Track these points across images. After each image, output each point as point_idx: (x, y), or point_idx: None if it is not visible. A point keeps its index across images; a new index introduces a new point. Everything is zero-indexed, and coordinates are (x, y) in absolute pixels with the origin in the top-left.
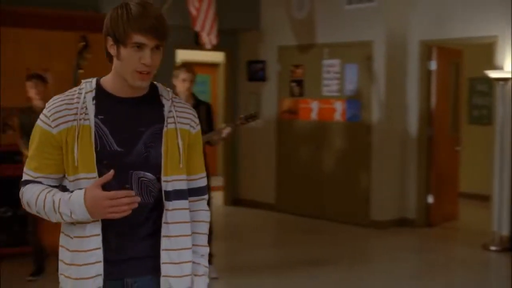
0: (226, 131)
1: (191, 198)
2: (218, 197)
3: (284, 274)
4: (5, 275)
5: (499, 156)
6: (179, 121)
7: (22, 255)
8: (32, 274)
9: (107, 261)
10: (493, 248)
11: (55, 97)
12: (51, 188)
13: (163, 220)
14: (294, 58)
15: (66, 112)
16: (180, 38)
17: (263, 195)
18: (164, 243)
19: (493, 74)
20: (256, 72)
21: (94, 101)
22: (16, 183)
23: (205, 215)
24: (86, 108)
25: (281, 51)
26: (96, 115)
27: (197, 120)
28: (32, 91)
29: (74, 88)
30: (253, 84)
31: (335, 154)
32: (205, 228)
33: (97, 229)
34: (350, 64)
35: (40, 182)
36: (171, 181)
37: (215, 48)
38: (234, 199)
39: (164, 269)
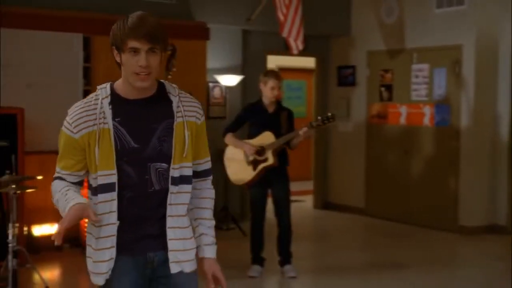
0: (302, 130)
1: (197, 179)
2: (308, 200)
3: (368, 276)
4: None
5: None
6: (186, 114)
7: None
8: None
9: (131, 239)
10: None
11: (75, 105)
12: (67, 189)
13: (168, 202)
14: (383, 63)
15: (86, 118)
16: (271, 44)
17: (352, 199)
18: (169, 222)
19: None
20: (346, 77)
21: (111, 106)
22: None
23: (210, 193)
24: (104, 113)
25: (371, 56)
26: (113, 118)
27: (202, 112)
28: None
29: (91, 95)
30: (343, 89)
31: (423, 158)
32: (210, 204)
33: (113, 218)
34: (439, 68)
35: (65, 179)
36: (178, 169)
37: (307, 53)
38: (324, 203)
39: (171, 244)
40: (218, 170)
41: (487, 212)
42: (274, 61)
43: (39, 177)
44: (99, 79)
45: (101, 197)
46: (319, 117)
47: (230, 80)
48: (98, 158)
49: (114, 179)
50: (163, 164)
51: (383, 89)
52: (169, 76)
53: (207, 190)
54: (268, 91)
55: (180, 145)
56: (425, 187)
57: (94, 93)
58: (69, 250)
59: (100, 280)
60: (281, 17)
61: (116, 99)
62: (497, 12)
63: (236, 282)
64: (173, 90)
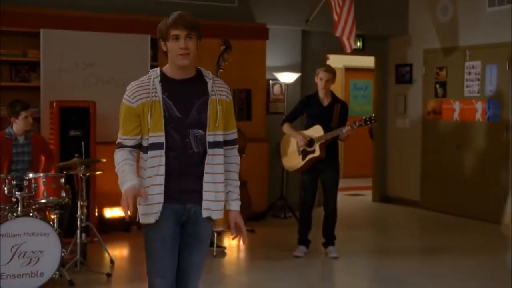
0: (345, 129)
1: (226, 147)
2: (368, 195)
3: (408, 260)
4: None
5: None
6: (218, 93)
7: None
8: None
9: (175, 191)
10: None
11: (132, 83)
12: (124, 163)
13: (206, 161)
14: (438, 60)
15: (141, 92)
16: (330, 44)
17: (408, 192)
18: (206, 177)
19: None
20: (403, 75)
21: (160, 84)
22: None
23: (236, 159)
24: (156, 89)
25: (427, 54)
26: (162, 93)
27: (230, 92)
28: None
29: (144, 76)
30: (400, 86)
31: (475, 153)
32: (236, 168)
33: (161, 170)
34: (491, 65)
35: (126, 146)
36: (212, 135)
37: (366, 53)
38: (382, 196)
39: (206, 196)
40: (278, 162)
41: None
42: (341, 61)
43: (103, 160)
44: None
45: (151, 153)
46: (362, 117)
47: (288, 77)
48: (150, 122)
49: (162, 139)
50: (200, 130)
51: (438, 86)
52: (220, 70)
53: (234, 157)
54: (318, 81)
55: (213, 116)
56: (477, 180)
57: (147, 75)
58: (137, 231)
59: (151, 219)
60: (335, 17)
61: (164, 78)
62: None
63: (283, 261)
64: (208, 74)
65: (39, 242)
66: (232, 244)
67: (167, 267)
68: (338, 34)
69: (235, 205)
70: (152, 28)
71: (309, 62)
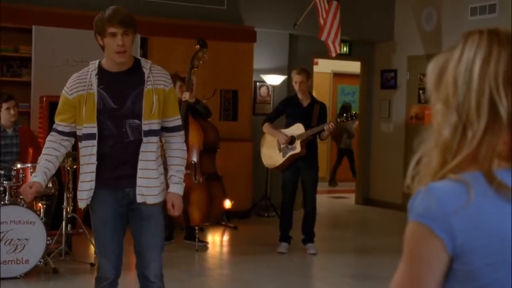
0: (328, 125)
1: (168, 134)
2: (352, 198)
3: (383, 257)
4: None
5: None
6: (155, 82)
7: None
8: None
9: (111, 178)
10: None
11: (73, 75)
12: (45, 157)
13: (141, 149)
14: (422, 67)
15: (78, 85)
16: (317, 48)
17: (391, 195)
18: (140, 164)
19: None
20: (388, 80)
21: (97, 77)
22: None
23: (179, 145)
24: (92, 82)
25: (411, 60)
26: (98, 86)
27: (169, 81)
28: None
29: (85, 68)
30: (385, 92)
31: None
32: (179, 153)
33: (93, 159)
34: None
35: (59, 131)
36: (147, 124)
37: (353, 58)
38: (365, 199)
39: (139, 182)
40: (261, 162)
41: None
42: (329, 67)
43: None
44: None
45: (85, 143)
46: (344, 114)
47: (275, 79)
48: (84, 114)
49: (95, 130)
50: (135, 120)
51: (421, 91)
52: (195, 68)
53: (177, 143)
54: (294, 85)
55: (149, 106)
56: None
57: (87, 67)
58: None
59: (82, 204)
60: (321, 22)
61: (101, 71)
62: None
63: (263, 256)
64: (146, 64)
65: (25, 230)
66: (215, 240)
67: (109, 249)
68: (323, 38)
69: (175, 188)
70: (142, 27)
71: (296, 65)
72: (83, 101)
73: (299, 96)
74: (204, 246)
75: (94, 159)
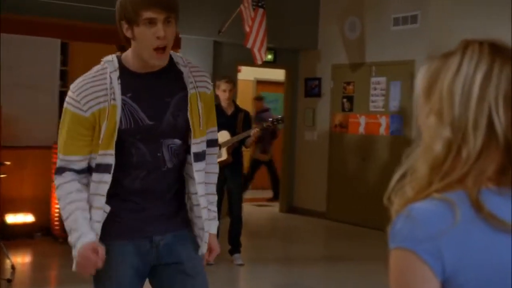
0: (254, 131)
1: (208, 150)
2: (275, 206)
3: (309, 266)
4: None
5: None
6: (198, 84)
7: None
8: None
9: (136, 222)
10: None
11: (80, 80)
12: (74, 207)
13: (198, 180)
14: (346, 75)
15: (97, 94)
16: (242, 55)
17: (315, 204)
18: (202, 201)
19: None
20: (312, 89)
21: (119, 80)
22: None
23: (214, 168)
24: (114, 88)
25: (335, 69)
26: (124, 94)
27: (210, 81)
28: None
29: (97, 68)
30: (309, 100)
31: (379, 166)
32: (214, 179)
33: (100, 202)
34: (395, 81)
35: (71, 168)
36: (200, 143)
37: (277, 65)
38: (289, 207)
39: (207, 226)
40: None
41: None
42: (252, 74)
43: (8, 163)
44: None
45: (96, 176)
46: (270, 119)
47: None
48: (102, 137)
49: (111, 160)
50: (175, 140)
51: (345, 100)
52: None
53: (213, 165)
54: (221, 93)
55: (197, 118)
56: (380, 192)
57: (100, 66)
58: (40, 238)
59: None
60: (247, 29)
61: (125, 73)
62: (446, 30)
63: None
64: (181, 60)
65: None
66: None
67: None
68: (249, 45)
69: (213, 226)
70: (62, 32)
71: (220, 72)
72: (103, 118)
73: (223, 104)
74: None
75: (102, 202)
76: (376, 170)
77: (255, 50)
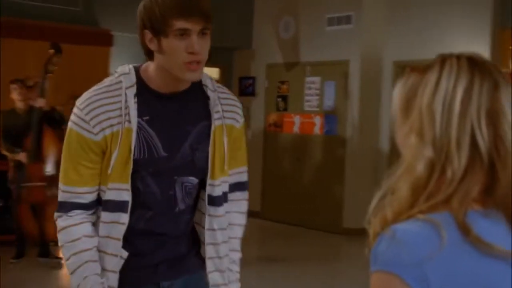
0: None
1: (233, 195)
2: None
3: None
4: None
5: None
6: (226, 115)
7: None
8: (14, 257)
9: (144, 267)
10: None
11: (88, 95)
12: (87, 254)
13: (207, 226)
14: (281, 75)
15: (109, 114)
16: None
17: (249, 203)
18: (210, 251)
19: None
20: (247, 88)
21: (136, 99)
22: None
23: (241, 218)
24: (128, 108)
25: (269, 68)
26: (140, 116)
27: (241, 112)
28: (14, 93)
29: (108, 81)
30: (243, 99)
31: (313, 165)
32: (238, 232)
33: (117, 247)
34: (329, 81)
35: (77, 202)
36: (219, 185)
37: (211, 64)
38: None
39: (212, 277)
40: None
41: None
42: None
43: None
44: None
45: (106, 216)
46: None
47: None
48: (113, 166)
49: (127, 196)
50: (191, 178)
51: (279, 99)
52: (49, 74)
53: (240, 215)
54: None
55: (218, 155)
56: (314, 191)
57: (114, 78)
58: None
59: None
60: None
61: (144, 91)
62: (380, 31)
63: None
64: (210, 82)
65: None
66: None
67: None
68: None
69: None
70: None
71: None
72: (115, 143)
73: None
74: (59, 263)
75: (118, 247)
76: (311, 169)
77: None
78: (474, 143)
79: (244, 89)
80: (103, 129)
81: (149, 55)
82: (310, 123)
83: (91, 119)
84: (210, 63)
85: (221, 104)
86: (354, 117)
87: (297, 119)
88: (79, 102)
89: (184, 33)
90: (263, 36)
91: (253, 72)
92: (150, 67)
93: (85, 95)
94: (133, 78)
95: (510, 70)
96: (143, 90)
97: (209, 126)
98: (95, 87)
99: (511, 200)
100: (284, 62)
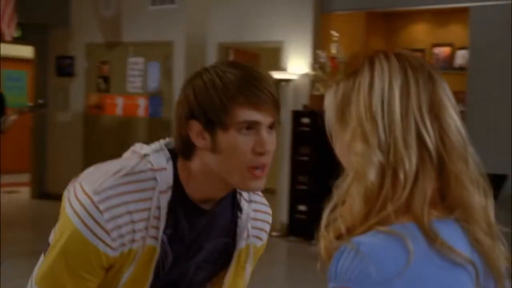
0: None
1: None
2: (25, 191)
3: None
4: None
5: (282, 154)
6: (253, 233)
7: None
8: None
9: None
10: (274, 233)
11: (112, 194)
12: None
13: None
14: (102, 55)
15: (134, 227)
16: None
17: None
18: None
19: (277, 75)
20: (65, 68)
21: (167, 209)
22: None
23: None
24: (159, 219)
25: (89, 48)
26: (164, 229)
27: (269, 228)
28: None
29: (139, 172)
30: (61, 79)
31: None
32: None
33: None
34: (153, 62)
35: None
36: None
37: (24, 42)
38: (41, 193)
39: None
40: None
41: None
42: None
43: None
44: None
45: None
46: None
47: None
48: (122, 285)
49: None
50: None
51: (101, 80)
52: None
53: None
54: None
55: (236, 282)
56: None
57: (146, 169)
58: None
59: None
60: None
61: (178, 198)
62: (205, 12)
63: None
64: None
65: None
66: None
67: None
68: None
69: None
70: None
71: None
72: (129, 261)
73: None
74: None
75: None
76: None
77: (4, 26)
78: (421, 141)
79: (62, 69)
80: (123, 245)
81: (188, 153)
82: (133, 105)
83: (113, 229)
84: (23, 41)
85: (252, 219)
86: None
87: (120, 100)
88: (97, 196)
89: (251, 127)
90: (82, 13)
91: (71, 52)
92: (193, 168)
93: (107, 188)
94: (170, 179)
95: (331, 55)
96: (177, 196)
97: (227, 244)
98: (120, 178)
99: (463, 200)
100: (105, 42)
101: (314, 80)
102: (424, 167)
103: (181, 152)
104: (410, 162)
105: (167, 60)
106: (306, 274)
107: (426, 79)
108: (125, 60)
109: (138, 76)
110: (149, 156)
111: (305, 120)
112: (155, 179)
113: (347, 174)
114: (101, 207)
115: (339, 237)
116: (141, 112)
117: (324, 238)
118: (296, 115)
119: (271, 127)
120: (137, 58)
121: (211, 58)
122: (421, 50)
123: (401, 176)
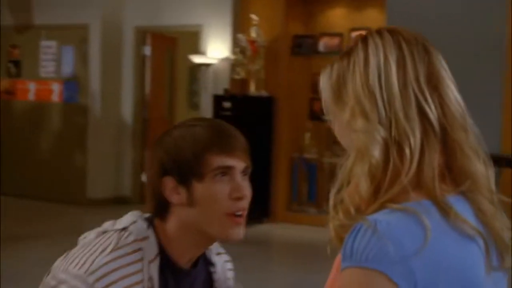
0: None
1: None
2: None
3: None
4: None
5: None
6: (228, 284)
7: None
8: None
9: None
10: None
11: (106, 271)
12: None
13: None
14: (11, 38)
15: None
16: None
17: None
18: None
19: (196, 59)
20: None
21: (159, 277)
22: None
23: None
24: None
25: None
26: None
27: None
28: None
29: (123, 246)
30: None
31: (53, 134)
32: None
33: None
34: (67, 46)
35: None
36: None
37: None
38: None
39: None
40: None
41: (113, 184)
42: None
43: None
44: None
45: None
46: None
47: None
48: None
49: None
50: None
51: (11, 65)
52: None
53: None
54: None
55: None
56: (55, 162)
57: (130, 241)
58: None
59: None
60: None
61: (165, 264)
62: None
63: None
64: (216, 246)
65: None
66: None
67: None
68: None
69: None
70: None
71: None
72: None
73: None
74: None
75: None
76: (51, 139)
77: None
78: (422, 113)
79: None
80: None
81: (163, 213)
82: (47, 90)
83: None
84: None
85: (228, 270)
86: (95, 84)
87: (32, 86)
88: (92, 275)
89: (225, 173)
90: None
91: None
92: (169, 226)
93: (100, 267)
94: (155, 246)
95: (251, 39)
96: (164, 262)
97: None
98: (108, 255)
99: (468, 170)
100: (15, 24)
101: (234, 64)
102: (428, 140)
103: (156, 214)
104: (414, 135)
105: (82, 44)
106: None
107: (422, 51)
108: (37, 43)
109: (52, 61)
110: (128, 229)
111: (227, 104)
112: (140, 249)
113: (347, 153)
114: (98, 286)
115: (350, 218)
116: (55, 97)
117: (334, 218)
118: (217, 100)
119: (244, 173)
120: (50, 41)
121: (128, 42)
122: (340, 34)
123: (407, 151)
